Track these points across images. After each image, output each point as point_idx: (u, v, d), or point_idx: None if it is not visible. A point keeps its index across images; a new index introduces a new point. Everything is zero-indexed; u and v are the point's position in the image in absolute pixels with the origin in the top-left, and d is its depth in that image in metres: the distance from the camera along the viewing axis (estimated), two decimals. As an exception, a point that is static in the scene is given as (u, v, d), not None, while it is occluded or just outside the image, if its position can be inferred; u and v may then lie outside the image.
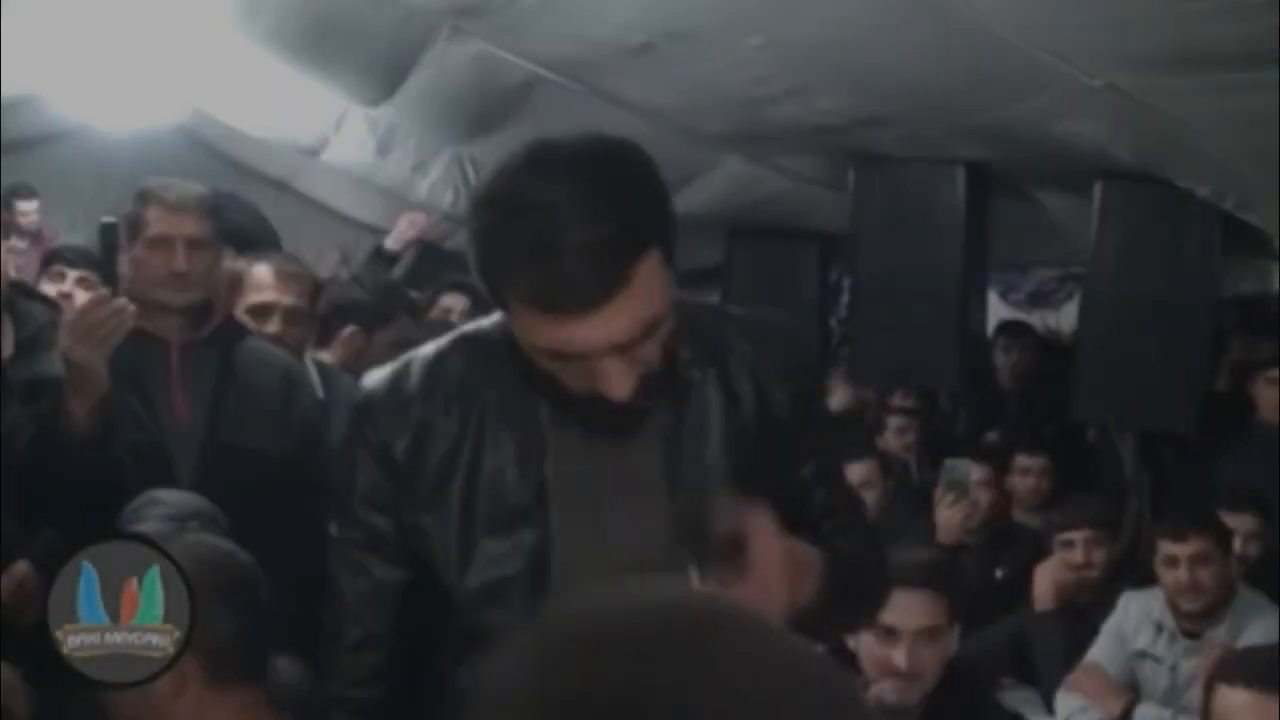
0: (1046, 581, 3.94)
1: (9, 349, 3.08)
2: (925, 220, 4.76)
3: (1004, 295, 5.97)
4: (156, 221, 2.85)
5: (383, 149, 6.79)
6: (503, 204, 1.46)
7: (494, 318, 1.68)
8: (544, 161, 1.47)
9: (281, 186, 9.16)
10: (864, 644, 2.51)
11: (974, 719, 2.56)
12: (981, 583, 4.27)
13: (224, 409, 2.85)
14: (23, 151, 7.62)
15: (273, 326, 3.22)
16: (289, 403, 2.94)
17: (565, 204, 1.41)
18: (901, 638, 2.47)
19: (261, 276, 3.30)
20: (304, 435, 2.96)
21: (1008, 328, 5.86)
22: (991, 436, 5.63)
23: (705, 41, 4.00)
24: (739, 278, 6.14)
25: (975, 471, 4.37)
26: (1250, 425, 4.61)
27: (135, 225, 2.87)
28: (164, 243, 2.82)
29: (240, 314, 3.23)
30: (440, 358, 1.68)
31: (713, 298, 7.01)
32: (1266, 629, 3.37)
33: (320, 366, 3.64)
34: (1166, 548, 3.51)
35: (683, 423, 1.65)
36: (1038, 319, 5.83)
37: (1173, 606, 3.46)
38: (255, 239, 3.92)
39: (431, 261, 6.85)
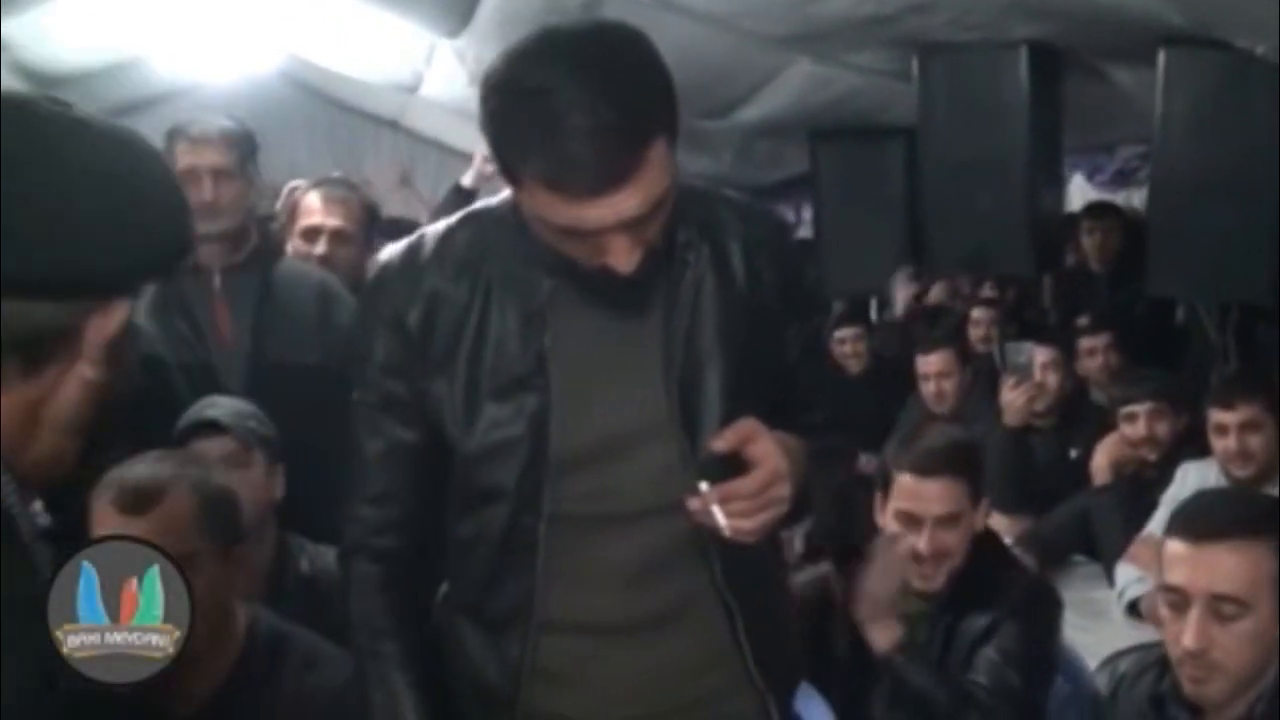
0: (1104, 456, 3.96)
1: None
2: (990, 105, 4.72)
3: (1090, 177, 5.87)
4: (183, 155, 3.01)
5: (474, 80, 6.89)
6: (510, 88, 1.51)
7: (502, 195, 1.78)
8: (548, 47, 1.53)
9: (393, 126, 9.38)
10: (887, 526, 2.59)
11: (1005, 593, 2.59)
12: (1054, 462, 4.28)
13: (265, 328, 3.00)
14: (134, 114, 7.90)
15: (321, 248, 3.39)
16: (325, 317, 3.08)
17: (569, 88, 1.47)
18: (924, 524, 2.54)
19: (310, 202, 3.47)
20: (342, 347, 3.11)
21: (1092, 209, 5.76)
22: (1082, 320, 5.59)
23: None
24: (827, 180, 6.17)
25: (1041, 354, 4.35)
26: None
27: (167, 163, 3.04)
28: (191, 174, 2.98)
29: (295, 236, 3.42)
30: (450, 233, 1.78)
31: (805, 203, 7.05)
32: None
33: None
34: (1216, 416, 3.49)
35: (678, 299, 1.74)
36: (1122, 198, 5.72)
37: (1226, 474, 3.44)
38: None
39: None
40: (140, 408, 2.69)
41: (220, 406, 2.69)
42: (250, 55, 7.24)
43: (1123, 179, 5.76)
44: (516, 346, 1.72)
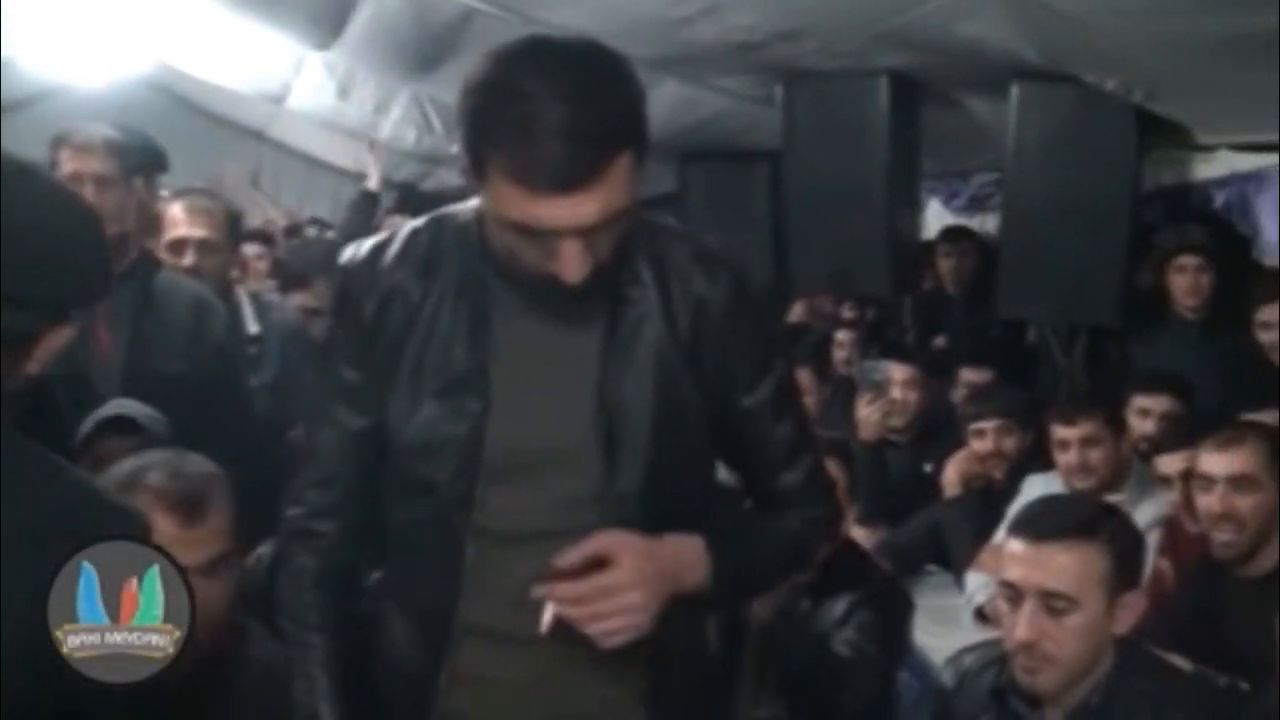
0: (954, 470, 4.14)
1: None
2: (852, 132, 4.86)
3: (946, 202, 6.07)
4: (67, 161, 3.04)
5: (343, 92, 6.91)
6: (495, 87, 1.58)
7: (468, 203, 1.83)
8: (531, 52, 1.61)
9: (259, 136, 9.31)
10: None
11: (861, 584, 2.75)
12: (909, 476, 4.43)
13: (143, 338, 3.04)
14: (4, 113, 7.75)
15: (188, 259, 3.42)
16: (201, 330, 3.13)
17: (546, 89, 1.54)
18: None
19: (174, 214, 3.51)
20: (216, 360, 3.14)
21: (948, 234, 5.96)
22: (939, 340, 5.79)
23: (617, -36, 4.12)
24: (694, 199, 6.27)
25: (899, 372, 4.51)
26: (1167, 314, 4.72)
27: (52, 168, 3.04)
28: (75, 181, 2.99)
29: (161, 250, 3.42)
30: (415, 232, 1.84)
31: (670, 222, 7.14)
32: (1158, 505, 3.52)
33: (255, 299, 3.82)
34: (1058, 431, 3.67)
35: (620, 325, 1.77)
36: (977, 223, 5.93)
37: (1069, 486, 3.60)
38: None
39: (415, 203, 7.02)
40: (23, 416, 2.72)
41: (130, 407, 2.71)
42: (118, 60, 7.15)
43: (977, 205, 5.96)
44: (463, 348, 1.77)
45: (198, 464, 2.17)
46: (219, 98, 8.45)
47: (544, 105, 1.54)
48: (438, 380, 1.78)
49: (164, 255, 3.42)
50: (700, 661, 1.96)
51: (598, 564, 1.67)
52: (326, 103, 7.05)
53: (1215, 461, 2.99)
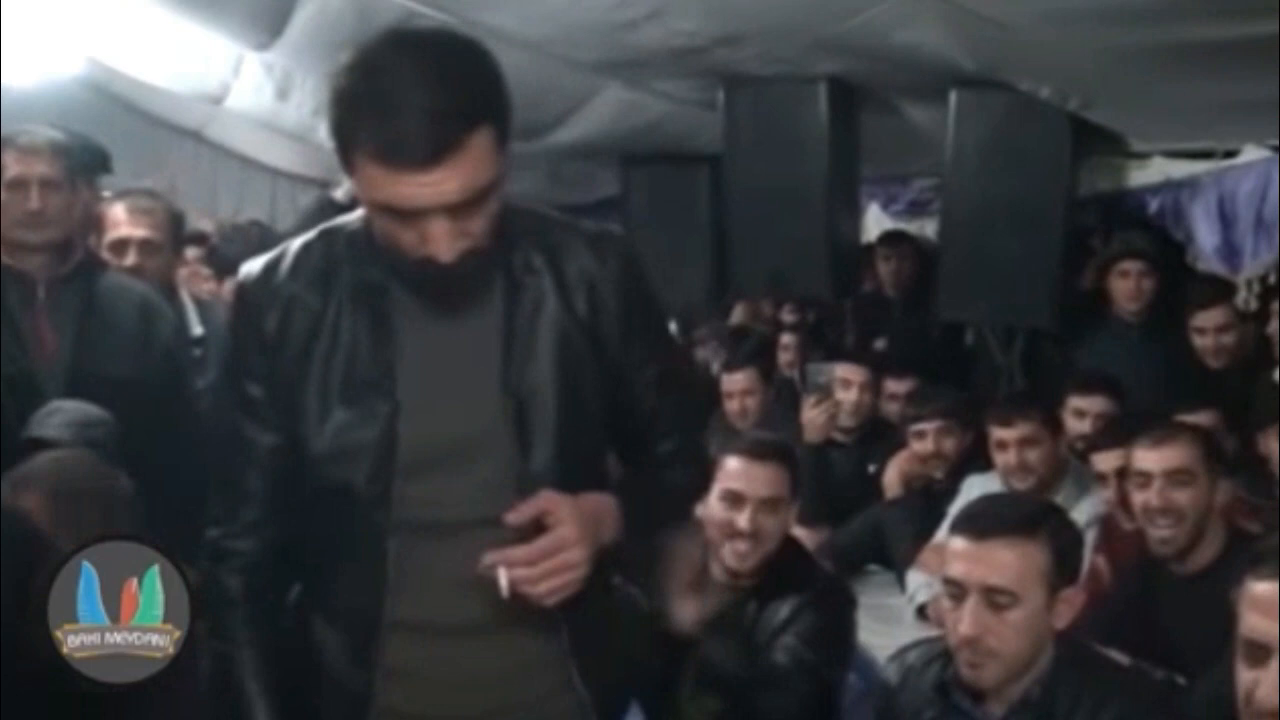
0: (895, 471, 4.20)
1: None
2: (792, 136, 4.90)
3: (885, 207, 6.14)
4: (12, 164, 3.01)
5: (281, 93, 6.84)
6: (357, 70, 1.65)
7: (355, 214, 1.87)
8: (395, 41, 1.67)
9: (196, 137, 9.20)
10: (711, 508, 2.77)
11: (805, 586, 2.79)
12: (853, 477, 4.49)
13: (88, 340, 3.02)
14: (-73, 112, 7.63)
15: (130, 259, 3.41)
16: (147, 332, 3.12)
17: (409, 73, 1.62)
18: (747, 504, 2.78)
19: (116, 214, 3.49)
20: (163, 363, 3.13)
21: (887, 238, 6.03)
22: (879, 343, 5.85)
23: (559, -34, 4.15)
24: (636, 203, 6.27)
25: (852, 373, 4.56)
26: (1108, 318, 4.81)
27: None
28: (20, 184, 2.98)
29: (103, 249, 3.40)
30: (308, 246, 1.87)
31: (614, 226, 7.18)
32: (1095, 504, 3.59)
33: (198, 302, 3.80)
34: (996, 433, 3.74)
35: (516, 318, 1.82)
36: (916, 228, 6.00)
37: (1008, 486, 3.66)
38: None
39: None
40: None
41: (63, 412, 2.71)
42: (51, 58, 7.05)
43: (916, 209, 6.03)
44: (367, 353, 1.81)
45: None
46: (155, 98, 8.34)
47: (400, 85, 1.61)
48: (345, 387, 1.81)
49: (106, 255, 3.40)
50: (612, 622, 2.04)
51: (537, 528, 1.73)
52: (265, 103, 6.97)
53: (1152, 458, 3.05)
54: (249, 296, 1.87)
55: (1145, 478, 3.05)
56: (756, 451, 2.87)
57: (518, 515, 1.73)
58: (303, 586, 1.96)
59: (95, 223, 3.46)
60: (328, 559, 1.88)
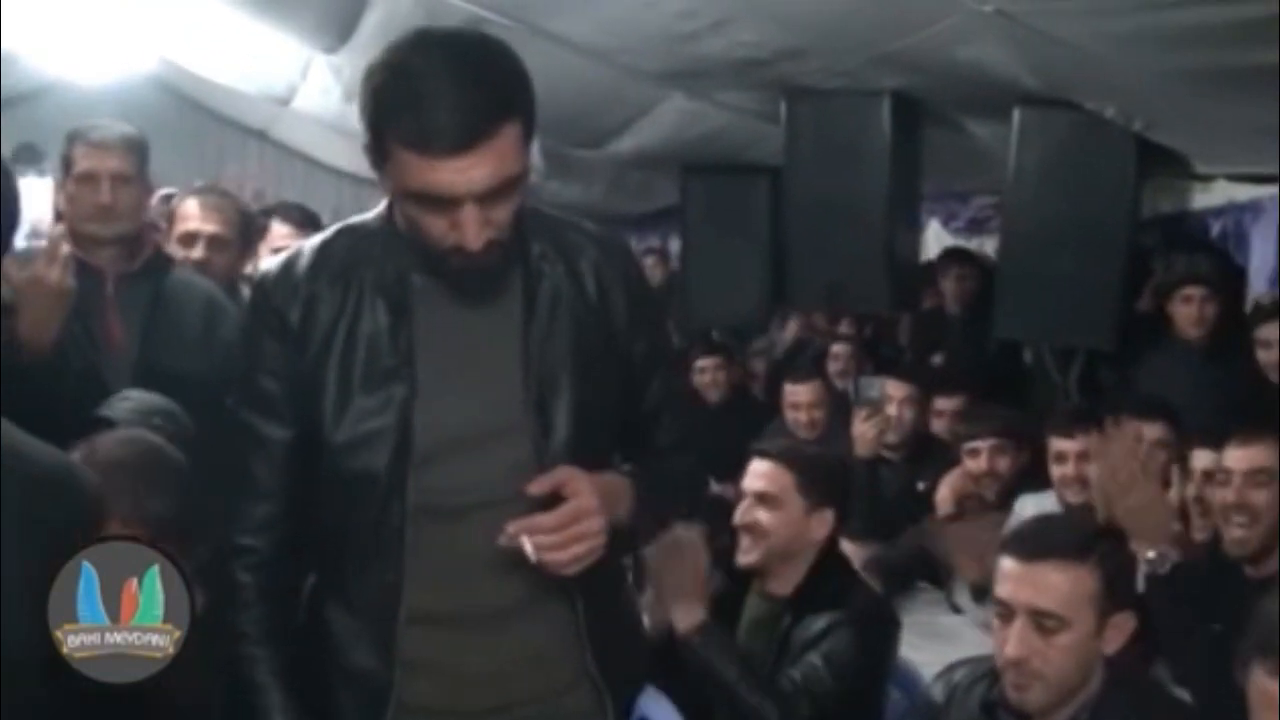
0: (948, 488, 4.18)
1: None
2: (853, 150, 4.89)
3: (946, 223, 6.12)
4: (83, 159, 3.06)
5: (348, 96, 6.92)
6: (392, 66, 1.74)
7: (373, 212, 1.95)
8: (426, 39, 1.76)
9: (261, 136, 9.33)
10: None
11: (844, 602, 2.79)
12: (902, 493, 4.47)
13: (154, 335, 3.06)
14: (6, 108, 7.76)
15: (198, 253, 3.47)
16: (212, 328, 3.15)
17: (443, 67, 1.71)
18: (746, 498, 2.88)
19: (187, 208, 3.55)
20: (225, 359, 3.16)
21: (953, 254, 6.01)
22: (936, 359, 5.84)
23: (626, -23, 4.18)
24: (695, 213, 6.28)
25: (897, 389, 4.55)
26: (1168, 341, 4.77)
27: (67, 163, 3.08)
28: (90, 178, 3.02)
29: (172, 242, 3.46)
30: (326, 243, 1.95)
31: (673, 234, 7.20)
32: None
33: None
34: (1056, 444, 3.73)
35: (536, 303, 1.90)
36: (976, 245, 5.98)
37: (1061, 500, 3.65)
38: None
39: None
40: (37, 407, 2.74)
41: (131, 400, 2.73)
42: (123, 57, 7.17)
43: (976, 227, 6.01)
44: (386, 341, 1.87)
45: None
46: (222, 97, 8.46)
47: (436, 78, 1.69)
48: (365, 375, 1.87)
49: (174, 248, 3.46)
50: (624, 608, 2.11)
51: (555, 499, 1.78)
52: (332, 105, 7.06)
53: (1236, 455, 3.06)
54: (269, 293, 1.93)
55: (1227, 475, 3.06)
56: (763, 450, 2.96)
57: (539, 485, 1.79)
58: (318, 578, 2.00)
59: (166, 217, 3.53)
60: (346, 549, 1.92)
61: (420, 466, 1.85)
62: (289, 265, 1.93)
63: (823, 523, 2.85)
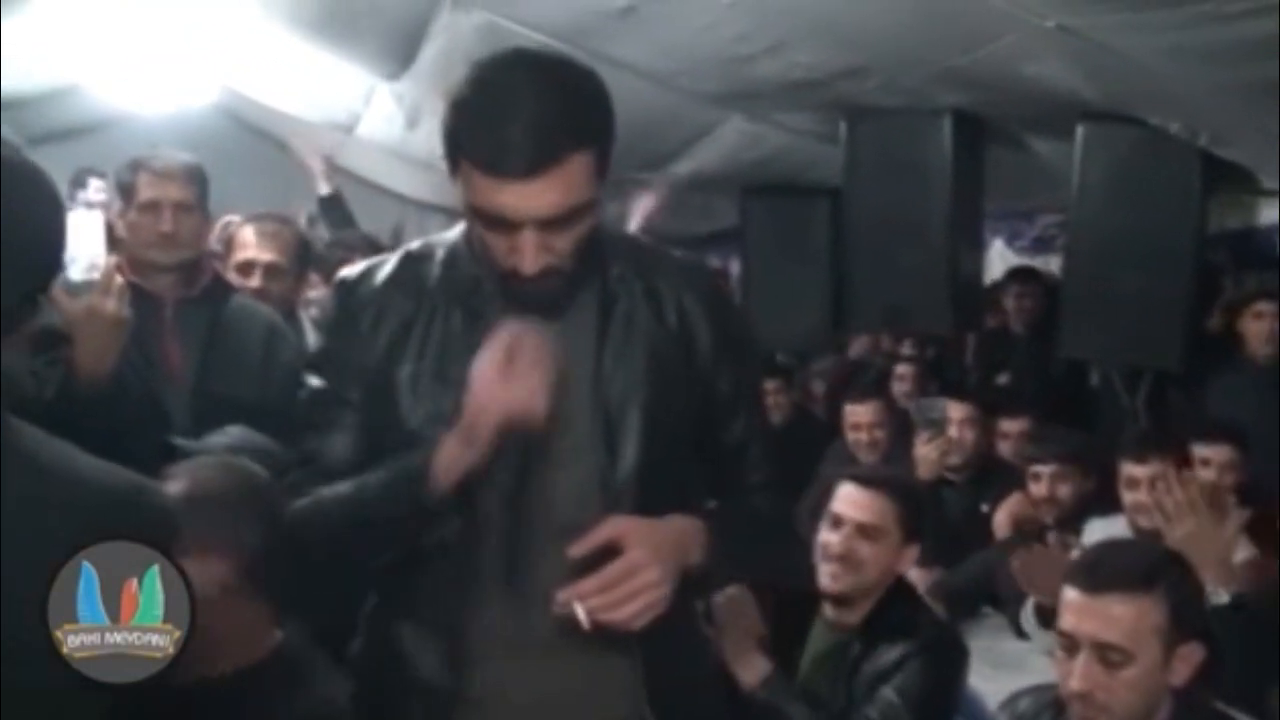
0: (1006, 512, 4.12)
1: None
2: (914, 169, 4.87)
3: (1010, 242, 6.05)
4: (146, 187, 3.07)
5: (411, 123, 6.97)
6: (474, 82, 1.73)
7: (455, 229, 1.96)
8: (514, 59, 1.76)
9: (326, 163, 9.39)
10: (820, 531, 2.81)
11: (914, 632, 2.73)
12: (966, 516, 4.41)
13: (213, 362, 3.07)
14: (69, 141, 7.85)
15: (255, 281, 3.49)
16: (271, 355, 3.16)
17: (521, 88, 1.70)
18: (844, 526, 2.77)
19: (245, 236, 3.58)
20: (283, 385, 3.17)
21: (1018, 274, 5.94)
22: (1001, 380, 5.76)
23: (682, 1, 4.16)
24: (755, 235, 6.26)
25: (956, 410, 4.48)
26: (1239, 360, 4.68)
27: (128, 192, 3.10)
28: (153, 207, 3.04)
29: (230, 270, 3.48)
30: (409, 253, 1.97)
31: (733, 256, 7.17)
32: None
33: (316, 324, 3.86)
34: (1128, 469, 3.64)
35: (612, 321, 1.88)
36: (1041, 264, 5.91)
37: (1133, 526, 3.57)
38: None
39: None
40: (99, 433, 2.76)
41: (228, 435, 2.78)
42: (187, 87, 7.24)
43: (1041, 245, 5.95)
44: (460, 350, 1.84)
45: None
46: (287, 125, 8.54)
47: (511, 98, 1.68)
48: (436, 382, 1.86)
49: (232, 276, 3.48)
50: (697, 646, 2.05)
51: (609, 552, 1.72)
52: (395, 132, 7.12)
53: None
54: (348, 296, 1.95)
55: None
56: (865, 477, 2.89)
57: (580, 547, 1.74)
58: (383, 595, 1.98)
59: (225, 244, 3.55)
60: (416, 566, 1.89)
61: (489, 481, 1.82)
62: (370, 269, 1.96)
63: (910, 557, 2.83)
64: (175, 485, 2.10)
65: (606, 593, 1.70)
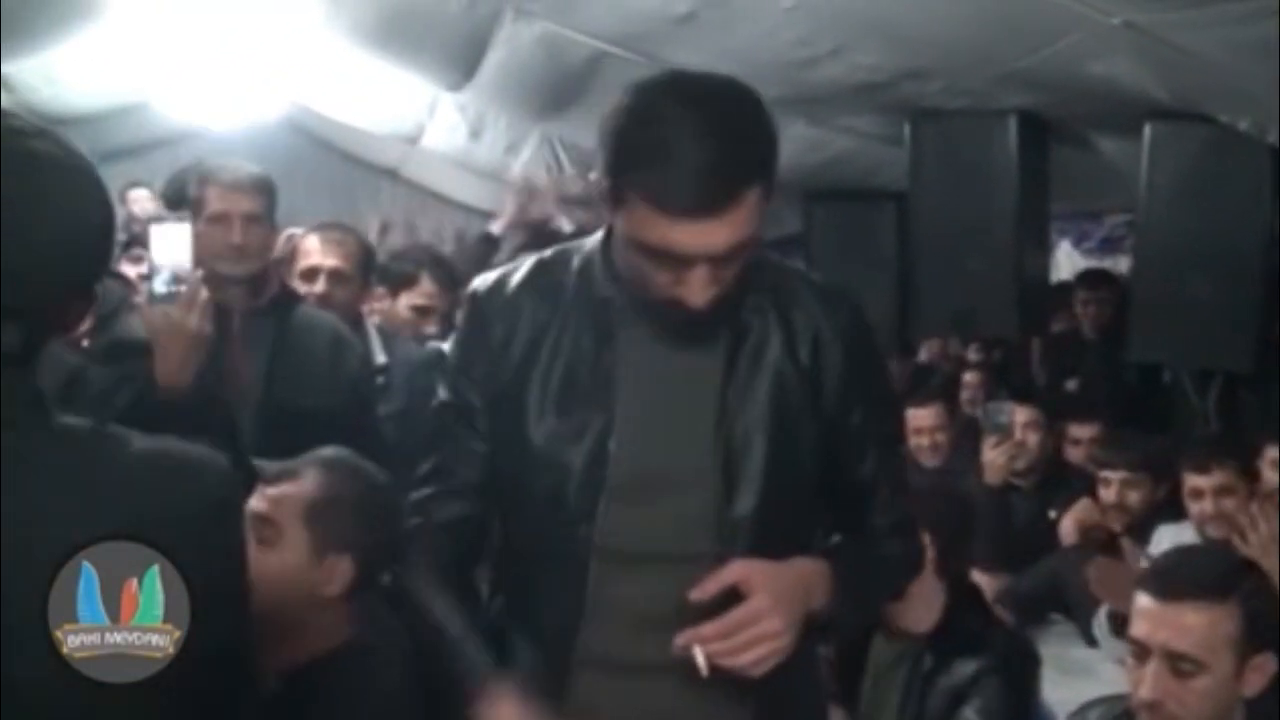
0: (1072, 518, 4.06)
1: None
2: (980, 171, 4.82)
3: (1077, 244, 5.98)
4: (215, 200, 3.10)
5: (474, 133, 7.03)
6: (639, 114, 1.65)
7: (592, 238, 1.91)
8: (680, 85, 1.69)
9: (392, 175, 9.49)
10: None
11: (985, 644, 2.69)
12: (1034, 522, 4.35)
13: (280, 372, 3.08)
14: (138, 156, 7.98)
15: (319, 287, 3.51)
16: (337, 364, 3.18)
17: (695, 125, 1.61)
18: None
19: (309, 244, 3.61)
20: (351, 394, 3.20)
21: (1088, 277, 5.86)
22: (1070, 384, 5.69)
23: (741, 6, 4.15)
24: (819, 240, 6.25)
25: (1022, 414, 4.43)
26: (1308, 360, 4.59)
27: (198, 204, 3.13)
28: (223, 219, 3.07)
29: (295, 277, 3.52)
30: (541, 262, 1.93)
31: (798, 263, 7.15)
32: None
33: (382, 332, 3.88)
34: (1191, 480, 3.58)
35: (740, 353, 1.82)
36: (1109, 265, 5.83)
37: (1202, 535, 3.51)
38: None
39: (545, 243, 7.06)
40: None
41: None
42: (255, 102, 7.33)
43: (1110, 246, 5.87)
44: (588, 367, 1.83)
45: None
46: (353, 137, 8.63)
47: (686, 134, 1.60)
48: (563, 395, 1.83)
49: (296, 283, 3.51)
50: (811, 689, 1.99)
51: (733, 593, 1.69)
52: (458, 143, 7.18)
53: None
54: (480, 306, 1.92)
55: None
56: None
57: (702, 591, 1.70)
58: (506, 602, 1.97)
59: (289, 253, 3.58)
60: (529, 574, 1.89)
61: (607, 500, 1.81)
62: (503, 279, 1.92)
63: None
64: (305, 484, 2.16)
65: (727, 639, 1.67)
